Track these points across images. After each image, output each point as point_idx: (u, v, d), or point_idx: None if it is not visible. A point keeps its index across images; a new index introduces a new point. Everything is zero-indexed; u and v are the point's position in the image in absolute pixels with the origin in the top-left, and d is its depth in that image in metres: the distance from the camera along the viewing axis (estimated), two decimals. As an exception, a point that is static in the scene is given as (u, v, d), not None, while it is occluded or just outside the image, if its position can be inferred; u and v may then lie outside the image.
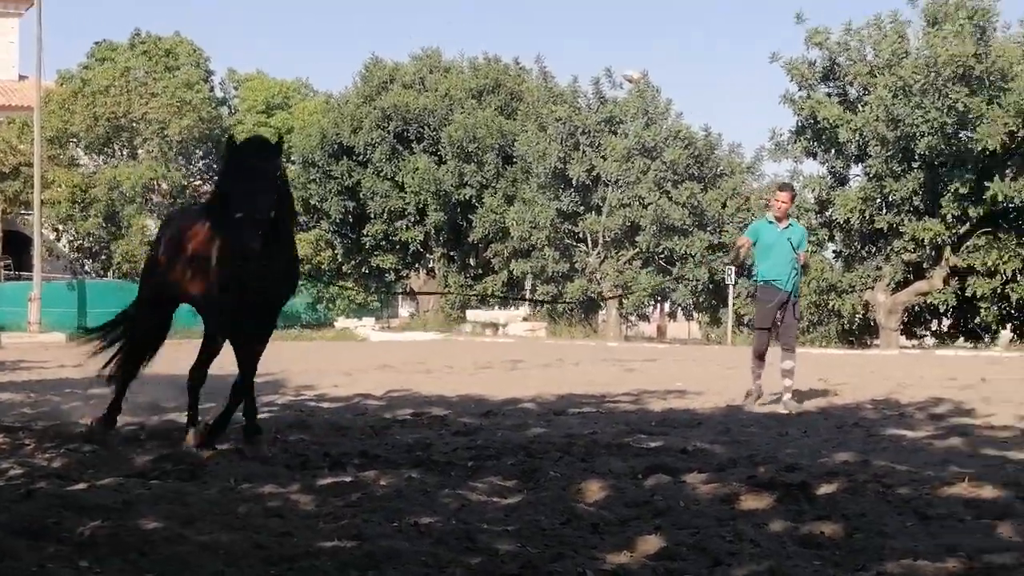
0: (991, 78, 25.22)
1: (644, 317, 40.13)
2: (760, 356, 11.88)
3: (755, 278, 12.56)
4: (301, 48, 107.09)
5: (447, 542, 4.72)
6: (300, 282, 9.55)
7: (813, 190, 30.15)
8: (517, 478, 6.51)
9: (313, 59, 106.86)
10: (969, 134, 25.51)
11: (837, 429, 9.56)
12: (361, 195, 39.43)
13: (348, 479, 6.38)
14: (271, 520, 5.25)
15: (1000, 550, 4.57)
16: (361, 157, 39.39)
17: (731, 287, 31.71)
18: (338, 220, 40.21)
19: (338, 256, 41.58)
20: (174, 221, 9.22)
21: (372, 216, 39.18)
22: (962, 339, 29.31)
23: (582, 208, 35.17)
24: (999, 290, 26.34)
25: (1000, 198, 25.14)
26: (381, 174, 38.82)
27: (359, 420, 9.95)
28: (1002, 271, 25.90)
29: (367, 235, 39.65)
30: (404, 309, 46.87)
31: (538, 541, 4.77)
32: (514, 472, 6.75)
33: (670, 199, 33.26)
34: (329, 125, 39.89)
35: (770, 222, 12.12)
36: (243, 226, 7.22)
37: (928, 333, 30.68)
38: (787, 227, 12.04)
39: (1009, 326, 28.96)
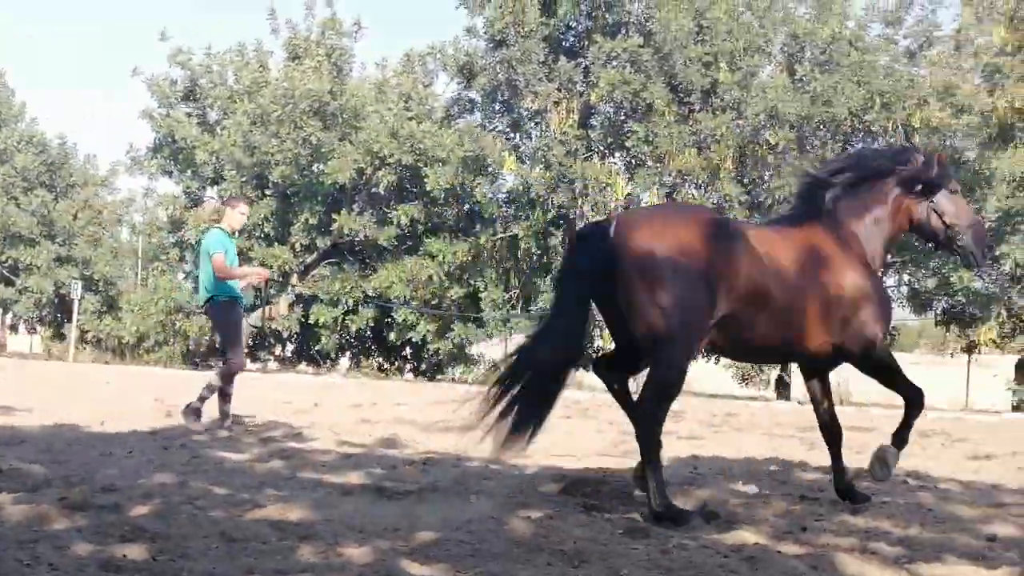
0: (344, 115, 26.39)
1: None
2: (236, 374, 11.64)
3: (214, 293, 11.73)
4: None
5: None
6: None
7: (167, 208, 29.94)
8: None
9: None
10: (321, 167, 26.48)
11: (163, 450, 9.44)
12: None
13: None
14: None
15: (297, 571, 4.70)
16: None
17: (77, 301, 30.69)
18: None
19: None
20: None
21: None
22: (304, 364, 30.28)
23: (-82, 209, 32.55)
24: (340, 319, 27.50)
25: (346, 231, 26.29)
26: None
27: None
28: (344, 301, 27.07)
29: None
30: None
31: None
32: None
33: (18, 206, 31.64)
34: None
35: (229, 235, 11.85)
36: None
37: (272, 357, 31.35)
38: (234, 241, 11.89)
39: (348, 354, 30.34)
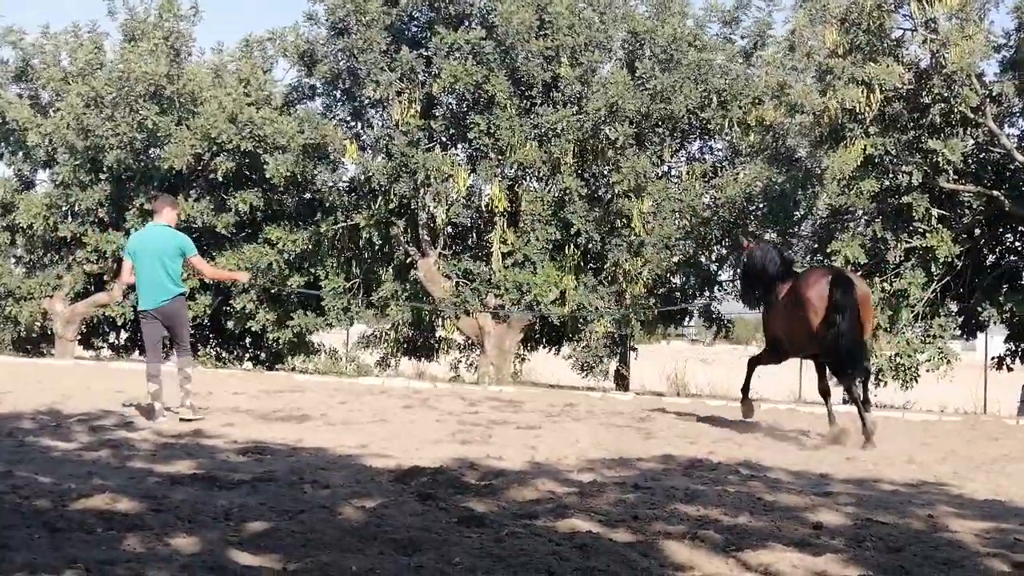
0: (182, 100, 25.81)
1: None
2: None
3: (181, 290, 12.45)
4: None
5: None
6: None
7: (-3, 192, 28.98)
8: None
9: None
10: (158, 152, 25.87)
11: (-12, 439, 9.17)
12: None
13: None
14: None
15: (122, 561, 4.60)
16: None
17: None
18: None
19: None
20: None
21: None
22: (138, 353, 29.55)
23: None
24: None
25: (183, 217, 25.67)
26: None
27: None
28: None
29: None
30: None
31: None
32: None
33: None
34: None
35: None
36: None
37: (105, 345, 30.56)
38: None
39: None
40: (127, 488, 6.44)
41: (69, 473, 7.22)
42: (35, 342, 28.79)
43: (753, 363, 13.89)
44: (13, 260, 29.78)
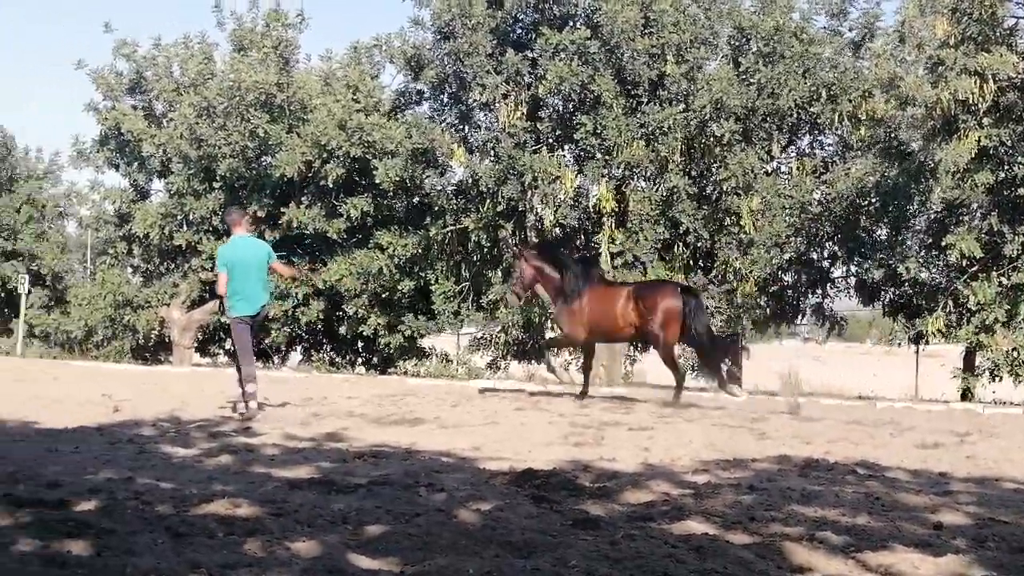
0: (291, 108, 26.20)
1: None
2: None
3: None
4: None
5: None
6: None
7: (114, 202, 29.68)
8: None
9: None
10: (269, 160, 26.29)
11: (110, 445, 9.37)
12: None
13: None
14: None
15: (244, 566, 4.67)
16: None
17: (24, 296, 30.43)
18: None
19: None
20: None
21: None
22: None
23: None
24: (291, 312, 27.24)
25: (295, 224, 26.13)
26: None
27: None
28: (294, 294, 26.80)
29: None
30: None
31: None
32: None
33: (-41, 200, 31.27)
34: None
35: None
36: None
37: (222, 351, 31.07)
38: None
39: (299, 348, 30.08)
40: (247, 493, 6.53)
41: (190, 479, 7.35)
42: (153, 350, 29.40)
43: (587, 362, 17.53)
44: (131, 269, 30.48)
